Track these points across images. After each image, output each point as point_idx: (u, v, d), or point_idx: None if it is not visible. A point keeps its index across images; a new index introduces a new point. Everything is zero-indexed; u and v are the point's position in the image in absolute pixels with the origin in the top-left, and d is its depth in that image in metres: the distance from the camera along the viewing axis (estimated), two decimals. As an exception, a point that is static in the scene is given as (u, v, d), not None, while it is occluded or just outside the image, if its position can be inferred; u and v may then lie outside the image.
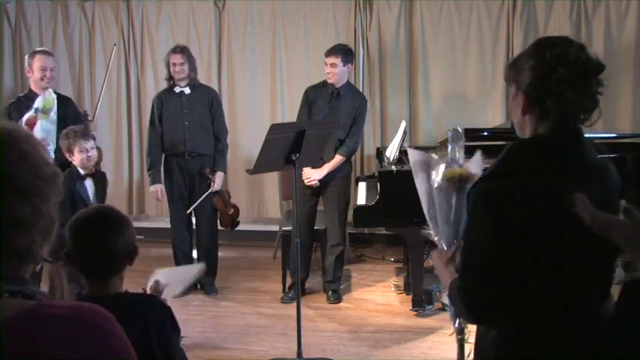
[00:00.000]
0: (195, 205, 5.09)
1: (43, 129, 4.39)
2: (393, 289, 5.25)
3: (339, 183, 5.03)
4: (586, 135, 1.67)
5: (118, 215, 1.96)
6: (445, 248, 2.00)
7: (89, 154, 3.87)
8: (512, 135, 1.85)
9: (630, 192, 4.49)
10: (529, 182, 1.59)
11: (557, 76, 1.59)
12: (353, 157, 6.32)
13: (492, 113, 6.15)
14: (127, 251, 1.93)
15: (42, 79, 4.66)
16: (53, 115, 4.49)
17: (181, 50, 5.12)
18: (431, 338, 4.25)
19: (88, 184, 3.93)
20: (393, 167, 4.71)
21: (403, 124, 5.24)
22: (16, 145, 1.00)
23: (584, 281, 1.64)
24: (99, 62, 6.86)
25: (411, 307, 4.66)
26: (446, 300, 4.67)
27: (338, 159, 4.93)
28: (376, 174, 4.99)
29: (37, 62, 4.67)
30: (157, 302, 2.01)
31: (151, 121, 5.22)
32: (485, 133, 4.97)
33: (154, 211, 6.73)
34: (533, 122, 1.67)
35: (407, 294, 4.95)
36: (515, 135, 1.81)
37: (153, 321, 1.89)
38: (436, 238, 2.05)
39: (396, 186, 4.49)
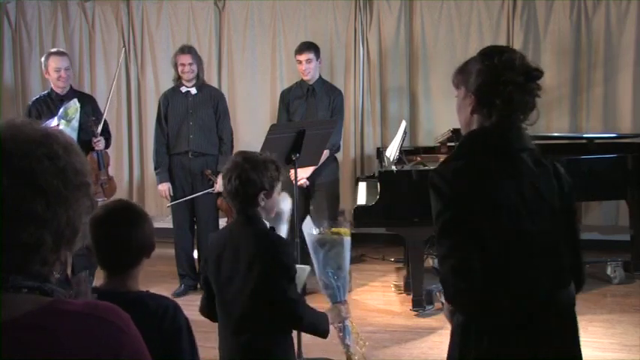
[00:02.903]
0: (180, 201, 5.09)
1: None
2: (393, 289, 5.25)
3: (326, 186, 5.08)
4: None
5: (136, 209, 2.00)
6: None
7: None
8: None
9: (630, 192, 4.50)
10: (479, 163, 1.81)
11: (504, 79, 1.79)
12: (352, 157, 6.35)
13: (492, 113, 6.15)
14: (144, 245, 1.96)
15: (58, 79, 4.85)
16: (75, 122, 4.71)
17: (189, 50, 5.13)
18: (431, 338, 4.24)
19: None
20: (393, 167, 4.71)
21: (403, 124, 5.24)
22: (47, 144, 1.03)
23: (543, 261, 1.81)
24: (99, 62, 6.87)
25: (411, 307, 4.66)
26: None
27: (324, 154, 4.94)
28: (376, 174, 4.98)
29: (52, 64, 4.86)
30: (178, 311, 1.88)
31: (158, 120, 5.22)
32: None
33: (154, 211, 6.72)
34: (480, 120, 1.87)
35: (407, 294, 4.95)
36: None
37: (165, 330, 1.81)
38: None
39: (395, 186, 4.49)
